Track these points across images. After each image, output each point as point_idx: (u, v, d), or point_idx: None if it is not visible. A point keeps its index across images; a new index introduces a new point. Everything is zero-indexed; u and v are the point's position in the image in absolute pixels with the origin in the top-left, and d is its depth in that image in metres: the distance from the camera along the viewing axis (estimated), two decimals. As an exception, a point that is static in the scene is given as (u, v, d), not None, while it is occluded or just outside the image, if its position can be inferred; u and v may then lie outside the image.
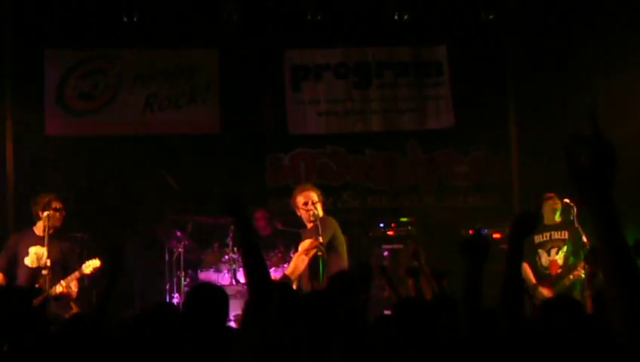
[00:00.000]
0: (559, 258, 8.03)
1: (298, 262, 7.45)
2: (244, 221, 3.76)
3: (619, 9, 9.49)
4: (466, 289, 3.21)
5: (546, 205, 8.12)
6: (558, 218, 8.12)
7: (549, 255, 8.06)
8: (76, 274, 7.46)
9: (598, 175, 2.09)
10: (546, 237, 8.15)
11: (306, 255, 7.34)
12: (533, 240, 8.02)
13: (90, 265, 7.48)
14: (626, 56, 9.52)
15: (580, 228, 7.84)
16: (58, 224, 7.67)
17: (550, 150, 9.45)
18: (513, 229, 3.11)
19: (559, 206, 8.11)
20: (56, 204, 7.61)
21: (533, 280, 7.98)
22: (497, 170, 10.69)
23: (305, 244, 7.44)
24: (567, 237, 8.04)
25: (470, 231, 8.26)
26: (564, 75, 9.84)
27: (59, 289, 7.36)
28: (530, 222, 3.13)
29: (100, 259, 7.54)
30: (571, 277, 7.78)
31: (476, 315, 3.19)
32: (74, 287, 7.50)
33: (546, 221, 8.12)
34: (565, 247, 8.04)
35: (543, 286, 7.91)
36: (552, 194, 8.13)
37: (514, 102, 10.57)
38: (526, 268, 7.91)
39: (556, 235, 8.12)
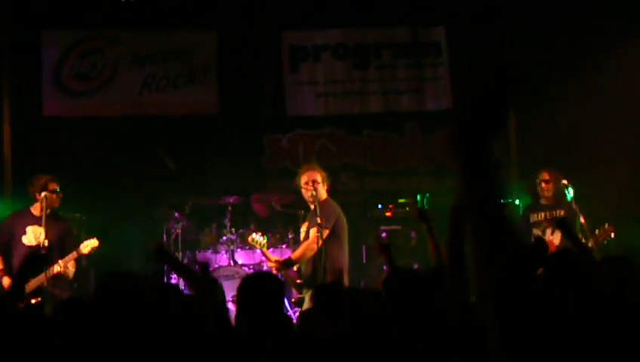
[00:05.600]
0: (555, 238, 7.51)
1: (307, 251, 7.44)
2: (176, 261, 4.90)
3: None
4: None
5: (540, 181, 7.90)
6: (569, 197, 7.63)
7: (543, 234, 7.64)
8: (74, 254, 7.45)
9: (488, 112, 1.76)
10: (541, 216, 7.85)
11: (317, 245, 7.32)
12: (528, 219, 7.82)
13: (89, 245, 7.47)
14: (627, 37, 9.48)
15: (577, 209, 7.48)
16: (56, 205, 7.66)
17: (549, 132, 9.44)
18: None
19: (553, 179, 7.79)
20: (53, 186, 7.59)
21: None
22: (495, 151, 10.62)
23: (314, 232, 7.39)
24: (563, 216, 7.48)
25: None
26: (563, 56, 9.80)
27: (56, 268, 7.34)
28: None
29: (97, 238, 7.53)
30: (590, 244, 6.92)
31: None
32: (71, 267, 7.50)
33: (543, 200, 7.94)
34: None
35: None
36: (547, 170, 7.93)
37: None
38: None
39: (552, 215, 7.73)
